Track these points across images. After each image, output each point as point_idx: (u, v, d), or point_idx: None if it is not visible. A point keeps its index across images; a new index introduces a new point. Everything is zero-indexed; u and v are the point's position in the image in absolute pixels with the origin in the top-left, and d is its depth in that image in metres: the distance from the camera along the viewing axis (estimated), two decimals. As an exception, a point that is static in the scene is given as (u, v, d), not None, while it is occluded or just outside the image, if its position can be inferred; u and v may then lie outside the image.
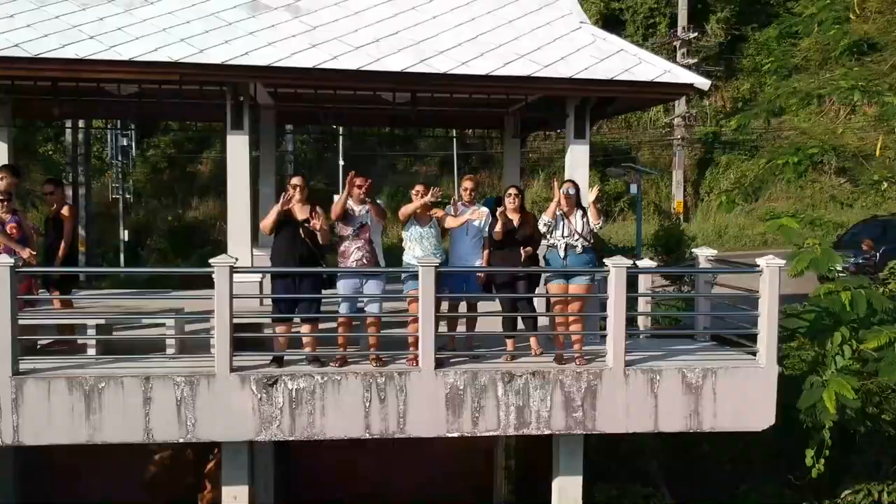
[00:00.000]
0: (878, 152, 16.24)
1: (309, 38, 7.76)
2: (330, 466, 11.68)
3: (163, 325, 7.68)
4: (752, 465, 11.36)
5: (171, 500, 11.99)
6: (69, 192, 22.89)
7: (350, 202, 7.42)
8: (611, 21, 40.73)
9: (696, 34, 35.56)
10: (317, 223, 7.17)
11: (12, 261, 6.79)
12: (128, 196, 31.82)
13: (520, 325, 7.99)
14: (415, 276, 7.20)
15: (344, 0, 8.57)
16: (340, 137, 30.25)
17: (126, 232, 30.68)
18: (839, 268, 9.75)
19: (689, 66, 35.12)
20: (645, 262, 9.56)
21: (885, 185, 17.21)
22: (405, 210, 7.53)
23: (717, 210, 34.04)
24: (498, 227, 7.44)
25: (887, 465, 9.78)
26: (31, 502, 11.17)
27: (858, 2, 17.57)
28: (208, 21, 7.89)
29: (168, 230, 32.33)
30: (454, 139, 28.20)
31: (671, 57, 37.68)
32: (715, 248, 32.34)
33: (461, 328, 8.16)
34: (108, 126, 29.04)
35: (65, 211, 8.06)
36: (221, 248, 28.79)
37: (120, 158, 32.58)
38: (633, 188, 14.75)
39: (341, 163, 29.08)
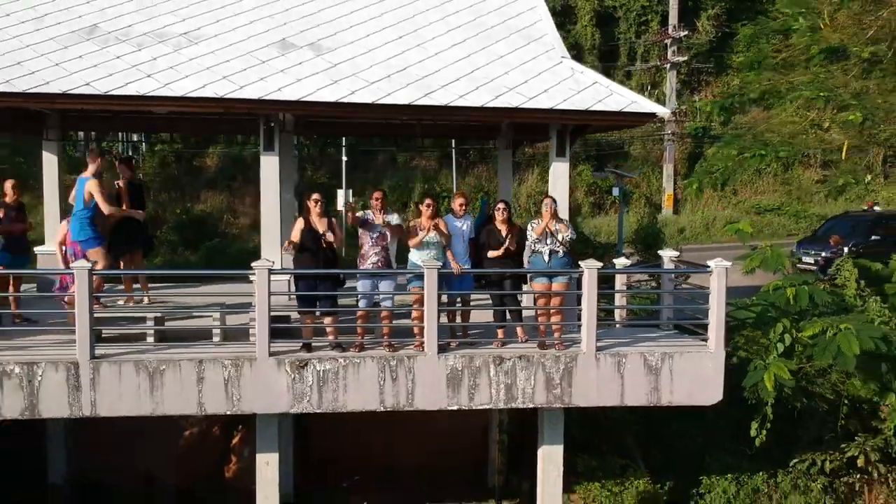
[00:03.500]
0: (843, 155, 17.69)
1: (330, 75, 9.24)
2: (342, 445, 13.21)
3: (210, 316, 9.19)
4: (716, 440, 12.90)
5: (199, 473, 13.58)
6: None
7: (371, 214, 8.88)
8: (604, 18, 42.07)
9: (685, 33, 36.82)
10: (330, 236, 8.64)
11: (89, 265, 8.30)
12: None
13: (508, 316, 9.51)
14: (419, 276, 8.72)
15: (359, 38, 10.04)
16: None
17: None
18: (789, 266, 11.23)
19: (678, 64, 36.66)
20: (621, 261, 11.07)
21: (870, 180, 18.55)
22: (415, 241, 8.97)
23: (696, 199, 35.52)
24: (500, 252, 8.97)
25: (829, 438, 11.34)
26: (81, 474, 12.78)
27: (829, 13, 19.04)
28: (245, 59, 9.35)
29: (177, 222, 33.70)
30: (453, 135, 29.55)
31: (662, 54, 39.09)
32: (703, 239, 33.76)
33: (458, 319, 9.68)
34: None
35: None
36: (228, 239, 30.42)
37: (130, 153, 33.91)
38: (616, 191, 16.21)
39: (344, 158, 30.40)
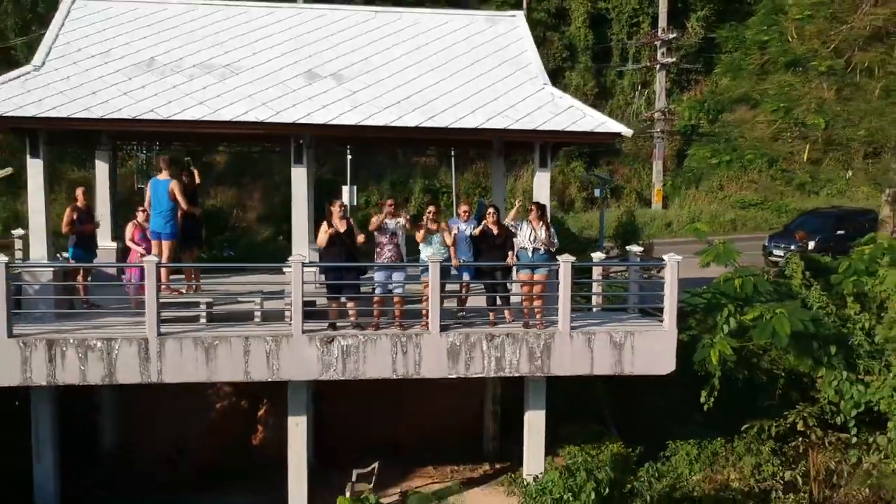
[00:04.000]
0: (805, 156, 19.66)
1: (351, 102, 11.22)
2: (353, 422, 15.13)
3: (252, 301, 11.19)
4: (681, 411, 14.89)
5: (229, 441, 15.54)
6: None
7: (385, 219, 10.88)
8: (597, 20, 43.89)
9: (674, 35, 38.64)
10: (361, 238, 10.63)
11: (157, 259, 10.28)
12: (151, 184, 35.04)
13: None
14: (426, 269, 10.71)
15: (373, 69, 12.01)
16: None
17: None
18: (738, 260, 13.22)
19: (667, 65, 38.56)
20: (597, 255, 13.05)
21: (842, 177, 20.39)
22: (419, 237, 11.01)
23: (677, 195, 37.48)
24: (476, 231, 11.04)
25: (771, 406, 13.37)
26: (127, 441, 14.75)
27: (796, 27, 20.96)
28: (279, 88, 11.33)
29: (189, 216, 35.68)
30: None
31: (653, 54, 40.93)
32: (687, 233, 35.54)
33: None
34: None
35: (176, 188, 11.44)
36: (238, 232, 32.35)
37: (144, 150, 35.73)
38: (598, 192, 18.12)
39: (349, 157, 32.35)
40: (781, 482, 13.64)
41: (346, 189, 27.53)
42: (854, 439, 12.91)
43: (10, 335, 10.04)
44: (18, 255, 13.80)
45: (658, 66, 38.99)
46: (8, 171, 16.46)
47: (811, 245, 22.06)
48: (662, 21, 39.17)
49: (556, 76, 43.21)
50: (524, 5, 37.92)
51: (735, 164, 21.79)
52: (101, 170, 13.84)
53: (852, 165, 30.55)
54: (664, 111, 38.75)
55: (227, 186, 37.24)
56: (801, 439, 13.79)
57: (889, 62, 18.96)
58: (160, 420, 14.67)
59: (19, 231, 14.06)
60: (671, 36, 38.54)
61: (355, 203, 28.26)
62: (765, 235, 26.62)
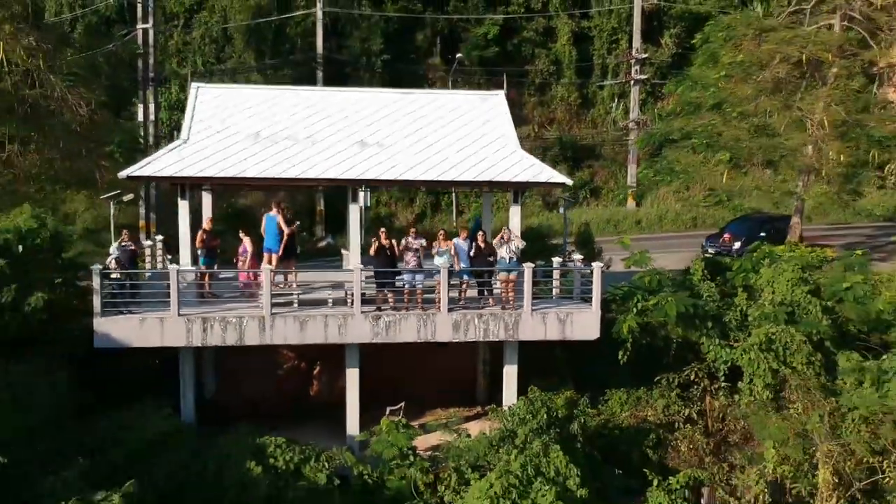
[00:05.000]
0: (724, 179, 26.04)
1: (390, 162, 17.62)
2: (383, 374, 21.47)
3: (326, 291, 17.66)
4: (616, 370, 21.19)
5: (292, 392, 21.91)
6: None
7: (409, 240, 17.27)
8: (581, 37, 50.07)
9: (646, 55, 44.88)
10: (397, 250, 17.07)
11: (271, 267, 16.69)
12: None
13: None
14: (439, 271, 17.12)
15: (403, 138, 18.39)
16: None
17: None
18: (651, 263, 19.66)
19: (641, 81, 44.82)
20: (556, 260, 19.47)
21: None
22: (434, 252, 17.44)
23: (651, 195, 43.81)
24: (473, 251, 17.47)
25: (678, 364, 19.80)
26: (220, 389, 21.10)
27: (721, 76, 27.19)
28: (343, 153, 17.75)
29: (223, 215, 42.05)
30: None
31: (628, 71, 47.12)
32: (655, 229, 43.07)
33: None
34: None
35: (281, 218, 17.88)
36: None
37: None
38: (562, 209, 24.29)
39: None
40: (683, 417, 20.12)
41: (361, 193, 34.02)
42: (725, 385, 19.41)
43: (179, 314, 16.44)
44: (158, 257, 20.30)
45: (633, 82, 45.27)
46: (130, 196, 22.80)
47: (736, 245, 28.44)
48: (637, 41, 45.35)
49: (544, 89, 49.69)
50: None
51: (674, 183, 28.18)
52: (207, 200, 20.19)
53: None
54: (637, 122, 45.10)
55: (256, 188, 43.58)
56: (695, 387, 20.25)
57: (789, 107, 25.18)
58: (243, 377, 21.05)
59: (159, 237, 20.55)
60: (643, 56, 44.84)
61: (368, 204, 34.60)
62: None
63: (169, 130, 44.34)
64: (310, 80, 43.74)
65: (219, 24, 48.46)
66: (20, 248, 15.79)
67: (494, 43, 47.83)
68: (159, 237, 21.26)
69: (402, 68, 46.22)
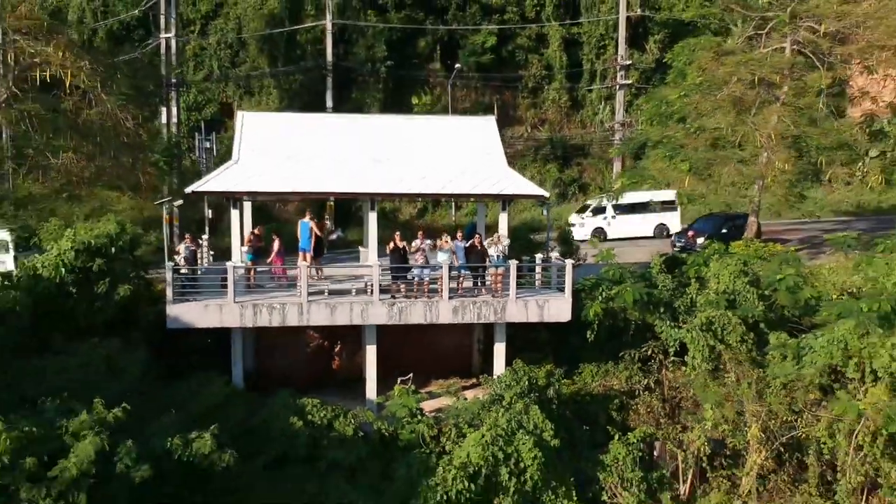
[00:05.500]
0: (686, 184, 30.46)
1: (398, 177, 22.01)
2: (395, 350, 25.86)
3: (351, 282, 22.09)
4: (587, 348, 25.60)
5: (318, 368, 26.35)
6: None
7: (418, 242, 21.67)
8: (570, 43, 54.25)
9: (630, 62, 49.10)
10: (408, 250, 21.50)
11: (306, 264, 21.09)
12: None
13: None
14: (441, 266, 21.51)
15: (409, 155, 22.77)
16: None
17: (210, 212, 44.76)
18: (615, 258, 24.07)
19: (625, 86, 49.02)
20: (538, 256, 23.89)
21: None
22: (437, 250, 21.85)
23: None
24: (468, 246, 21.92)
25: (639, 342, 24.20)
26: (258, 362, 25.52)
27: (691, 79, 31.45)
28: (360, 170, 22.14)
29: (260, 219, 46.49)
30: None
31: (614, 76, 51.32)
32: None
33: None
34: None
35: (313, 224, 22.30)
36: (281, 221, 44.07)
37: (204, 156, 46.38)
38: (545, 212, 28.60)
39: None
40: (643, 385, 24.54)
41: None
42: (677, 360, 23.83)
43: (234, 301, 20.83)
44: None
45: (618, 87, 49.52)
46: (180, 201, 27.17)
47: (700, 241, 32.85)
48: (622, 49, 49.58)
49: (537, 92, 53.96)
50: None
51: (645, 186, 32.84)
52: (247, 208, 24.54)
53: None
54: (622, 123, 49.40)
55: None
56: (653, 361, 24.66)
57: (743, 122, 29.50)
58: (277, 353, 25.48)
59: (205, 236, 24.98)
60: (628, 62, 49.09)
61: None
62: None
63: (188, 130, 48.71)
64: (319, 84, 48.08)
65: (234, 31, 52.57)
66: (112, 249, 20.15)
67: (490, 50, 52.04)
68: (205, 236, 25.68)
69: (405, 74, 50.51)
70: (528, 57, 53.95)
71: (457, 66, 47.02)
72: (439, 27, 50.97)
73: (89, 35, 52.71)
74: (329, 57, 46.89)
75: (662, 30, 54.04)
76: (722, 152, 29.21)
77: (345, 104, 49.55)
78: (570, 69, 54.10)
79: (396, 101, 50.30)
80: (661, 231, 39.62)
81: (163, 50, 46.63)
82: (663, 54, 53.47)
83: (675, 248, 33.39)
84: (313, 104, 50.11)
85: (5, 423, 13.97)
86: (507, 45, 53.28)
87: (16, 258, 25.50)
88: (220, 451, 16.30)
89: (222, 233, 32.92)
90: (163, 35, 46.47)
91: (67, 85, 27.39)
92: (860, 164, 32.90)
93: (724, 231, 33.91)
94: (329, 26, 46.94)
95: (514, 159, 51.53)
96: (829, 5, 30.41)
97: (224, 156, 49.69)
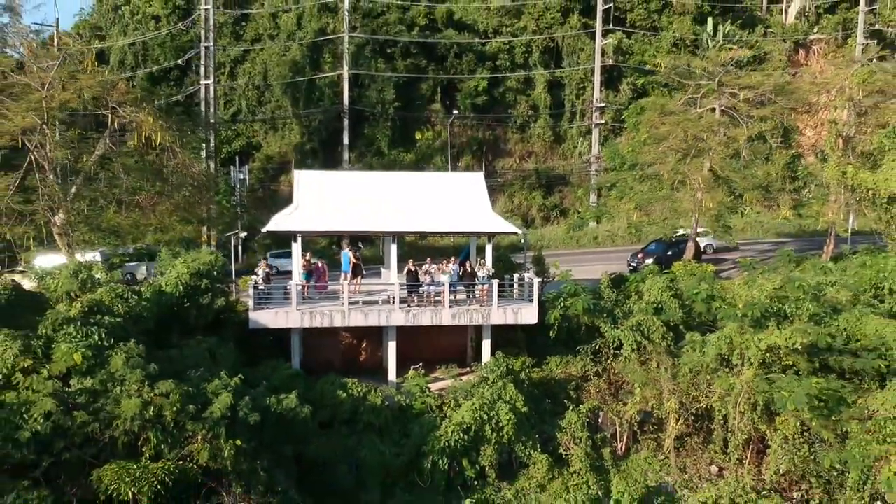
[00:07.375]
0: (635, 217, 39.89)
1: (406, 219, 31.48)
2: (408, 346, 35.07)
3: (378, 293, 31.50)
4: (555, 345, 34.81)
5: (349, 359, 35.61)
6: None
7: (426, 266, 31.06)
8: (554, 85, 63.91)
9: (604, 104, 58.63)
10: (420, 272, 30.93)
11: (347, 281, 30.48)
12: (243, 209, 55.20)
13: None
14: (443, 283, 30.86)
15: (418, 203, 32.18)
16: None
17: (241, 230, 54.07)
18: (570, 277, 33.49)
19: (599, 125, 58.53)
20: (515, 276, 33.25)
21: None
22: (441, 272, 31.32)
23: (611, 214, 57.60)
24: (461, 273, 31.41)
25: (592, 339, 33.55)
26: (307, 358, 34.78)
27: (642, 133, 40.96)
28: (377, 213, 31.55)
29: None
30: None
31: (591, 116, 60.88)
32: (609, 243, 59.22)
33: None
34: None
35: (351, 254, 31.67)
36: (310, 251, 54.58)
37: (238, 185, 55.78)
38: (523, 240, 37.76)
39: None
40: (593, 372, 33.77)
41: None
42: (619, 353, 33.14)
43: (297, 309, 30.13)
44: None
45: (594, 125, 59.05)
46: (244, 234, 36.56)
47: (648, 261, 42.08)
48: (597, 93, 59.18)
49: (524, 128, 63.55)
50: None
51: (607, 220, 42.79)
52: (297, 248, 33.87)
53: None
54: (596, 157, 58.90)
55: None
56: (602, 353, 33.94)
57: (679, 170, 39.00)
58: (319, 349, 34.73)
59: (268, 259, 34.46)
60: (602, 105, 58.66)
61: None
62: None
63: (221, 162, 57.96)
64: (335, 122, 57.53)
65: (260, 76, 62.05)
66: (213, 272, 29.51)
67: (484, 91, 61.61)
68: (268, 259, 35.16)
69: (409, 115, 60.05)
70: (517, 97, 63.56)
71: (454, 111, 56.52)
72: (440, 75, 60.44)
73: (130, 76, 62.17)
74: (346, 102, 56.40)
75: (634, 73, 63.58)
76: (658, 193, 38.74)
77: (358, 139, 59.19)
78: (554, 108, 63.58)
79: (402, 137, 60.00)
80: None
81: (202, 94, 56.35)
82: (635, 94, 63.49)
83: (630, 268, 42.67)
84: (330, 140, 59.82)
85: (175, 385, 23.21)
86: (499, 88, 62.84)
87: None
88: (301, 406, 25.54)
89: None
90: (202, 82, 56.15)
91: (156, 142, 36.65)
92: (778, 198, 42.45)
93: (670, 253, 43.16)
94: (346, 75, 56.41)
95: (505, 187, 61.21)
96: (747, 77, 40.00)
97: (253, 185, 59.33)
